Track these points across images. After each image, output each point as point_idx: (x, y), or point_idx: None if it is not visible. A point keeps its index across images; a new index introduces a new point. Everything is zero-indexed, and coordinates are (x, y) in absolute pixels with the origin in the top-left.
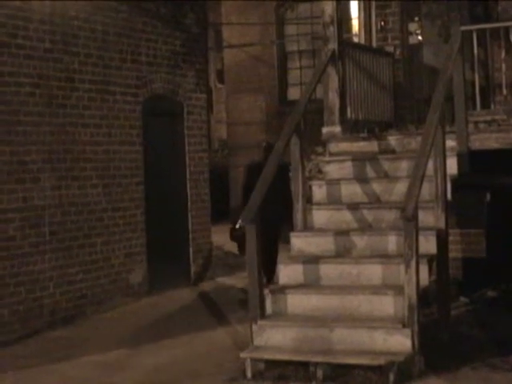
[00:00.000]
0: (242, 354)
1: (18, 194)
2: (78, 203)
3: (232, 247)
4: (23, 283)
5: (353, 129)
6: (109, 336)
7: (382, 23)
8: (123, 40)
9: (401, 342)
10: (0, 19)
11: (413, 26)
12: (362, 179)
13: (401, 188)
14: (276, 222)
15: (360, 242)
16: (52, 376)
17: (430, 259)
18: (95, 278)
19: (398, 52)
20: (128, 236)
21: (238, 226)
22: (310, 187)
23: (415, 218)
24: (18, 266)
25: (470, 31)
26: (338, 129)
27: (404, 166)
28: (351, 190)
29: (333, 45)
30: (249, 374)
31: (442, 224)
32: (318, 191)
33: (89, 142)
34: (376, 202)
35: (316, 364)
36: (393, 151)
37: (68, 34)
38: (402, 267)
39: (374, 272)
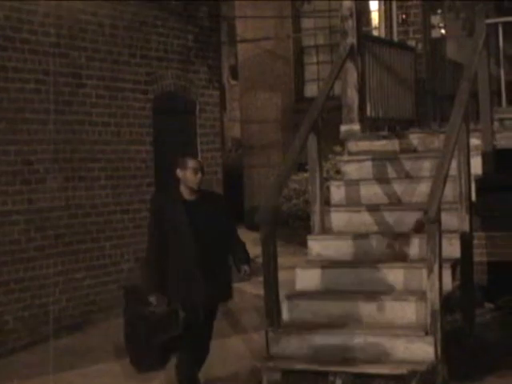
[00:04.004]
0: (258, 364)
1: (22, 196)
2: (86, 205)
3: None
4: (28, 289)
5: (372, 127)
6: (118, 344)
7: (404, 16)
8: (132, 34)
9: (423, 350)
10: (4, 12)
11: (435, 19)
12: (382, 179)
13: (423, 189)
14: (213, 297)
15: (380, 245)
16: None
17: (454, 263)
18: (103, 284)
19: (420, 46)
20: (138, 239)
21: (152, 309)
22: (328, 188)
23: (438, 220)
24: (23, 271)
25: (496, 24)
26: (357, 127)
27: (426, 166)
28: (371, 191)
29: (351, 39)
30: None
31: (466, 226)
32: (337, 192)
33: (97, 141)
34: (397, 203)
35: (335, 373)
36: (415, 150)
37: (75, 28)
38: (425, 272)
39: (395, 277)
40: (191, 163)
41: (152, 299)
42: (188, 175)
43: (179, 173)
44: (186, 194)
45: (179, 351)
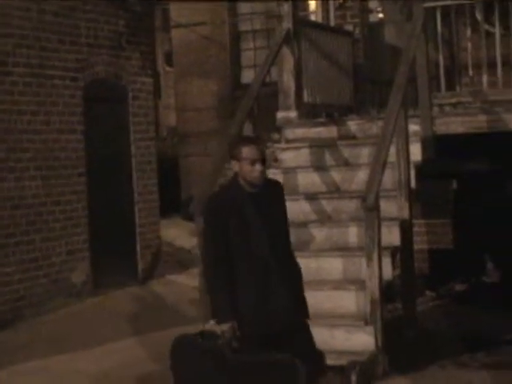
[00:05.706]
0: None
1: None
2: (15, 197)
3: (184, 242)
4: None
5: (310, 113)
6: (50, 340)
7: (341, 0)
8: (61, 20)
9: (363, 340)
10: None
11: (373, 4)
12: (320, 167)
13: (361, 176)
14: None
15: (319, 234)
16: None
17: (394, 251)
18: (34, 278)
19: (357, 31)
20: (69, 232)
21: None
22: None
23: (377, 207)
24: None
25: (434, 8)
26: (293, 114)
27: (365, 153)
28: (309, 179)
29: (287, 24)
30: None
31: (405, 214)
32: None
33: (25, 130)
34: (335, 191)
35: None
36: (353, 137)
37: (0, 14)
38: (364, 260)
39: (334, 266)
40: (246, 152)
41: (226, 327)
42: (244, 168)
43: (234, 165)
44: (247, 186)
45: None
